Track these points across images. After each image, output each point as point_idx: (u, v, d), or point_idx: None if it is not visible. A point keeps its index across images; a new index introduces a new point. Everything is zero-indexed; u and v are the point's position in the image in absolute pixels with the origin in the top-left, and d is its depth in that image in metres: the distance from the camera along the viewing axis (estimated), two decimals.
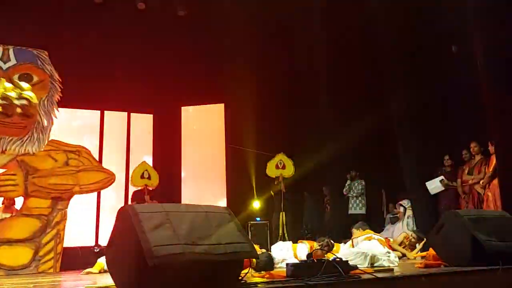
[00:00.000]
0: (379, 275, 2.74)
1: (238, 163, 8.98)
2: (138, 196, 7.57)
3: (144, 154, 8.80)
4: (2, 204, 6.84)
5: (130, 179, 7.91)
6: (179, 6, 8.39)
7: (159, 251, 2.26)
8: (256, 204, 8.62)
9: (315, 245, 4.56)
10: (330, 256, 3.47)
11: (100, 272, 5.30)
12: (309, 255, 3.44)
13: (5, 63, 6.76)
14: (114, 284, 2.71)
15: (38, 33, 7.16)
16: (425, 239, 5.88)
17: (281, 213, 8.24)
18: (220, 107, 9.49)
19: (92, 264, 5.59)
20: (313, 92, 8.39)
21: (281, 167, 8.31)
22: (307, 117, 8.62)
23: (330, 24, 7.86)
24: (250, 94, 8.77)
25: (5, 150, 6.65)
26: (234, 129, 9.24)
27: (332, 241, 4.59)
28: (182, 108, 9.48)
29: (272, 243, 6.76)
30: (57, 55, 7.18)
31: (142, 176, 7.72)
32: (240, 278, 2.60)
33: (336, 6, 7.48)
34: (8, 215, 6.68)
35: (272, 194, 8.53)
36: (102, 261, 5.30)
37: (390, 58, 7.25)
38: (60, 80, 7.09)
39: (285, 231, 8.14)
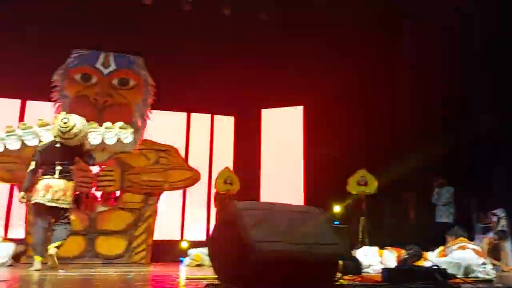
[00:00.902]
0: (480, 285, 2.64)
1: (317, 165, 8.96)
2: (221, 199, 7.83)
3: (226, 155, 9.13)
4: (101, 197, 7.45)
5: (214, 184, 8.29)
6: (262, 10, 8.61)
7: (261, 246, 2.36)
8: (337, 208, 8.53)
9: (403, 252, 4.44)
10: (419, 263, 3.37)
11: (197, 265, 5.61)
12: (404, 261, 3.38)
13: (106, 68, 7.39)
14: (212, 276, 2.88)
15: (135, 40, 7.68)
16: (509, 238, 5.52)
17: (361, 218, 8.09)
18: (299, 109, 9.58)
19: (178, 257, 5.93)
20: (399, 97, 8.15)
21: (363, 183, 8.00)
22: (390, 121, 8.37)
23: (420, 31, 7.63)
24: (330, 97, 8.74)
25: (104, 148, 7.24)
26: (312, 131, 9.25)
27: (420, 250, 4.43)
28: (262, 110, 9.70)
29: (351, 248, 6.66)
30: (150, 61, 7.67)
31: (225, 182, 8.15)
32: (336, 279, 2.64)
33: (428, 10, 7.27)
34: (105, 208, 7.25)
35: (351, 200, 8.37)
36: (199, 253, 5.61)
37: (480, 70, 6.91)
38: (154, 84, 7.57)
39: (364, 236, 7.97)
